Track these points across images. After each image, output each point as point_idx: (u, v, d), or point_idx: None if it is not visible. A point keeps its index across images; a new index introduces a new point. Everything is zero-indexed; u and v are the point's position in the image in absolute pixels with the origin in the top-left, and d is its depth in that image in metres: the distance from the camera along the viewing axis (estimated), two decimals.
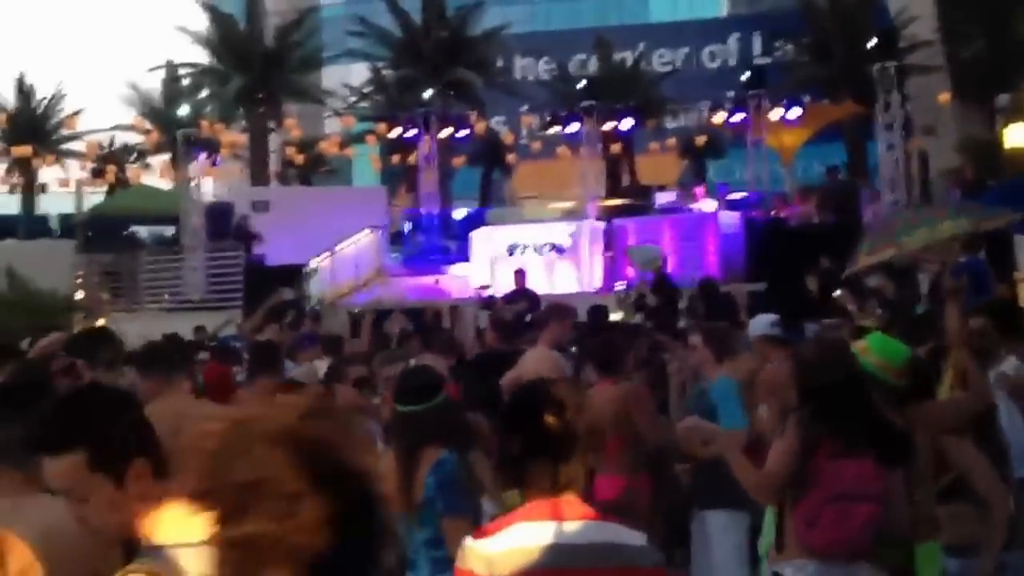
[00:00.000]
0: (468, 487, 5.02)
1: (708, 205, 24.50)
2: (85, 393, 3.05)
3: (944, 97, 29.90)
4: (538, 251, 23.76)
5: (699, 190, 25.66)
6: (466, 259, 24.96)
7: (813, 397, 4.67)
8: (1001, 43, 30.07)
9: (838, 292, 12.05)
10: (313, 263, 25.04)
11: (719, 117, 28.77)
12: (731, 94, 29.23)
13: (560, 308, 9.45)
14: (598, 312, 13.74)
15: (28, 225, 33.08)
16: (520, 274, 20.26)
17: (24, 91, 38.97)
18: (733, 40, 42.02)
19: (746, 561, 6.65)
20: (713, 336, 7.56)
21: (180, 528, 2.45)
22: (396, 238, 29.07)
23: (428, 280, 25.12)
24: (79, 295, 26.22)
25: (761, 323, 7.88)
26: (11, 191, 36.43)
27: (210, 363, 8.53)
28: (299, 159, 34.45)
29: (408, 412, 5.03)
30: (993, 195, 19.41)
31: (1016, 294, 15.84)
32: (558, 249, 23.85)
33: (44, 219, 33.49)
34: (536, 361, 8.31)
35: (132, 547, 2.56)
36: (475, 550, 3.08)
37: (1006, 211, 14.50)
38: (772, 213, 25.07)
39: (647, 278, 19.44)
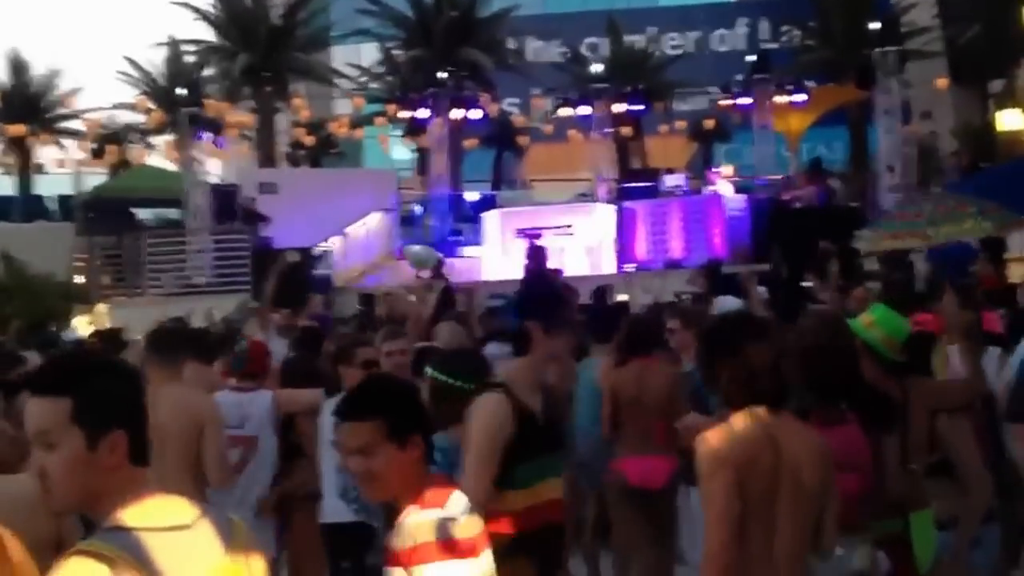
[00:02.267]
0: None
1: (725, 188, 24.67)
2: (86, 352, 2.86)
3: (942, 82, 30.48)
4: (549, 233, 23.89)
5: (713, 174, 25.94)
6: (478, 241, 25.25)
7: (805, 364, 4.73)
8: (996, 30, 30.43)
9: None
10: (324, 246, 24.78)
11: (727, 101, 29.15)
12: (739, 78, 29.61)
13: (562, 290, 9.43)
14: (602, 293, 14.26)
15: (25, 207, 32.56)
16: (541, 253, 20.25)
17: (18, 67, 38.23)
18: (741, 25, 42.88)
19: None
20: (691, 319, 7.95)
21: (150, 512, 2.46)
22: (407, 220, 28.84)
23: None
24: (79, 279, 25.75)
25: (727, 306, 8.54)
26: (7, 172, 35.90)
27: (252, 339, 8.32)
28: (308, 140, 34.05)
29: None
30: (985, 178, 19.46)
31: (1005, 275, 15.85)
32: (568, 231, 24.10)
33: (42, 201, 32.93)
34: None
35: (93, 524, 2.52)
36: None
37: None
38: (779, 196, 25.41)
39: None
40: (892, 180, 24.46)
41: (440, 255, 23.70)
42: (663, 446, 7.32)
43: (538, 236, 22.61)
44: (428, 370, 5.27)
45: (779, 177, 27.41)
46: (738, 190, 25.06)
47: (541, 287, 4.17)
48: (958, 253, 14.86)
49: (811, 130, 31.44)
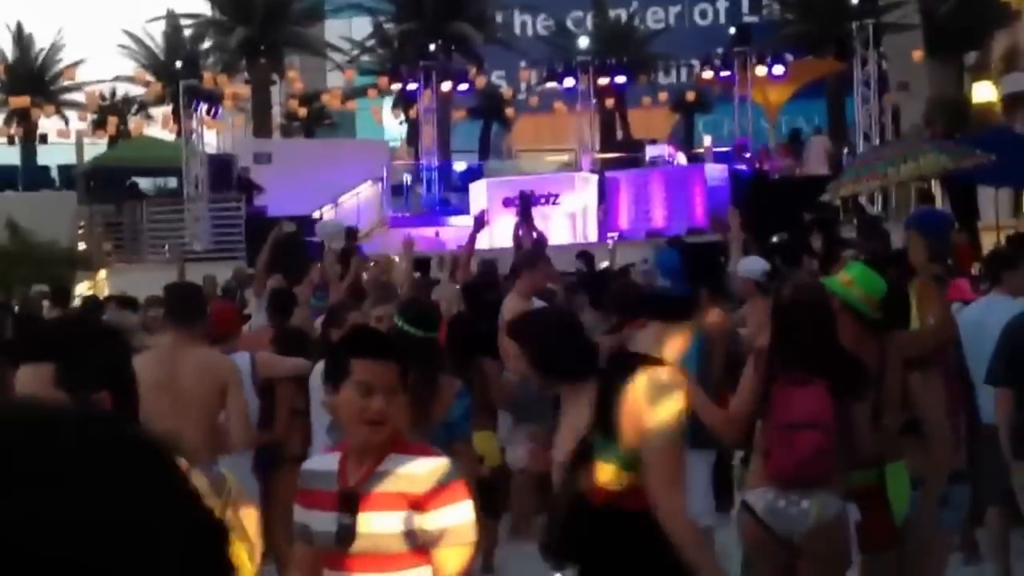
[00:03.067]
0: None
1: (680, 159, 25.68)
2: (72, 319, 3.08)
3: (918, 55, 30.62)
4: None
5: (671, 149, 26.81)
6: (467, 211, 25.33)
7: (782, 328, 4.88)
8: (971, 3, 30.66)
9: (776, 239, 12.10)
10: (316, 214, 25.35)
11: (708, 73, 29.41)
12: (720, 51, 29.86)
13: (533, 257, 9.15)
14: (591, 258, 14.56)
15: (28, 176, 33.13)
16: (529, 223, 20.77)
17: (22, 40, 38.72)
18: None
19: (711, 493, 6.83)
20: None
21: None
22: (398, 190, 29.41)
23: (429, 231, 25.48)
24: (81, 246, 26.42)
25: (753, 267, 8.27)
26: (10, 142, 36.36)
27: (215, 301, 8.67)
28: (302, 112, 34.47)
29: (428, 337, 5.29)
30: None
31: (979, 242, 16.25)
32: (553, 200, 24.47)
33: (45, 170, 33.52)
34: (509, 310, 8.15)
35: None
36: None
37: (982, 154, 15.08)
38: (757, 166, 25.85)
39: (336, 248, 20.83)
40: (867, 149, 24.80)
41: (348, 227, 23.92)
42: None
43: (532, 195, 22.97)
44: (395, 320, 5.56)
45: (758, 147, 27.62)
46: (717, 160, 25.61)
47: (704, 252, 3.82)
48: (936, 221, 15.11)
49: (790, 102, 31.43)
